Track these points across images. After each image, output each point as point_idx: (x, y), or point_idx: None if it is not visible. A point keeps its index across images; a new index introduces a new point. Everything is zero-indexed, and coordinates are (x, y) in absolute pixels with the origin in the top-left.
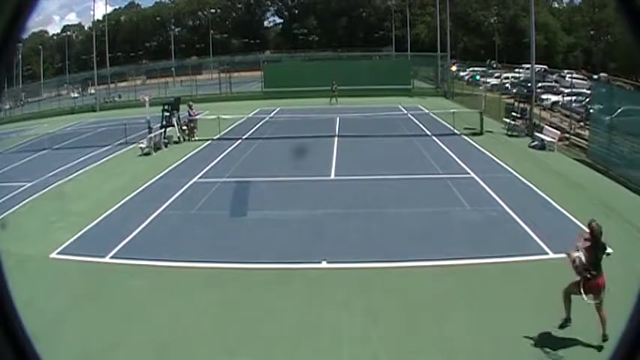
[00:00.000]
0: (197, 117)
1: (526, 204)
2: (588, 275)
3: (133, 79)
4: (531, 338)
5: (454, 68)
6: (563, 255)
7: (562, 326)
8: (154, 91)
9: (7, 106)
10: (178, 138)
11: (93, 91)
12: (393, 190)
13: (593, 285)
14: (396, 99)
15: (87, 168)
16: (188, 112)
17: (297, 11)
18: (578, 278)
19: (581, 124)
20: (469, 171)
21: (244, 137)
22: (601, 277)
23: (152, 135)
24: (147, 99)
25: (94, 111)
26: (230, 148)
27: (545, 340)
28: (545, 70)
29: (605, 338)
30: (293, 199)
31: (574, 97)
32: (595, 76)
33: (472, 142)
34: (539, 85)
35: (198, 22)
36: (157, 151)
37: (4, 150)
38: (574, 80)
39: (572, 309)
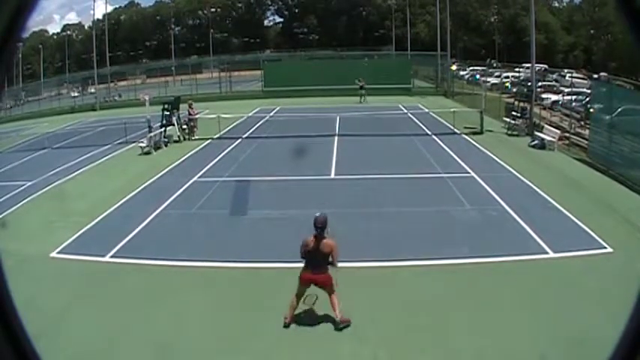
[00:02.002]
0: (197, 116)
1: (526, 203)
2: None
3: (133, 78)
4: None
5: (454, 67)
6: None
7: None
8: (154, 91)
9: (8, 105)
10: (178, 137)
11: (93, 90)
12: (393, 189)
13: (310, 278)
14: (396, 98)
15: (87, 167)
16: (188, 111)
17: (297, 10)
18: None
19: (581, 123)
20: (469, 170)
21: (244, 136)
22: (323, 274)
23: (152, 134)
24: (147, 98)
25: (94, 110)
26: (230, 148)
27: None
28: (546, 69)
29: (342, 322)
30: (293, 198)
31: (574, 97)
32: (595, 76)
33: (472, 141)
34: (540, 84)
35: (199, 21)
36: (157, 151)
37: (4, 149)
38: (574, 79)
39: None
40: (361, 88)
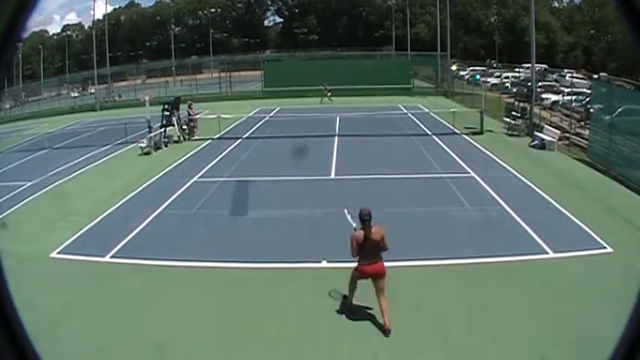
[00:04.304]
0: (197, 116)
1: (526, 203)
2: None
3: (133, 78)
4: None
5: (454, 67)
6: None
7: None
8: (154, 91)
9: (7, 106)
10: (178, 137)
11: (93, 91)
12: (393, 189)
13: (371, 270)
14: (396, 98)
15: (87, 167)
16: (188, 111)
17: (297, 10)
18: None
19: (582, 123)
20: (469, 170)
21: (244, 136)
22: (382, 263)
23: (152, 134)
24: (147, 98)
25: (94, 110)
26: (230, 148)
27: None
28: (546, 69)
29: (385, 331)
30: (293, 198)
31: (574, 97)
32: (595, 76)
33: (472, 142)
34: (540, 84)
35: (199, 22)
36: (157, 151)
37: (4, 149)
38: (574, 80)
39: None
40: (327, 90)
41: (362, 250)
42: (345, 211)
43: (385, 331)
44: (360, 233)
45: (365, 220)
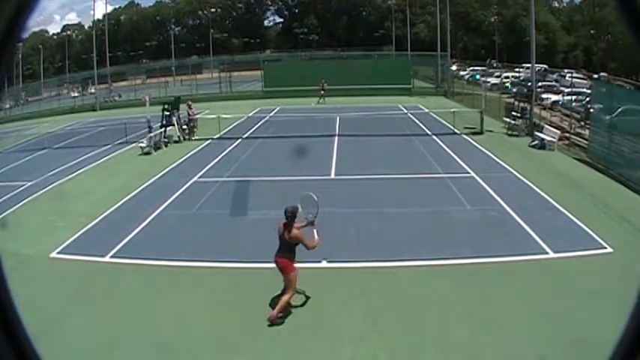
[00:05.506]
0: (196, 116)
1: (526, 203)
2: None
3: (132, 78)
4: None
5: (454, 67)
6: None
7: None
8: (154, 91)
9: (8, 106)
10: (178, 137)
11: (93, 91)
12: (393, 189)
13: (274, 260)
14: (396, 98)
15: (87, 167)
16: (187, 111)
17: (297, 10)
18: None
19: (582, 123)
20: (469, 170)
21: (244, 136)
22: (285, 260)
23: (152, 134)
24: (147, 98)
25: (94, 110)
26: (230, 148)
27: None
28: (546, 69)
29: (269, 319)
30: (293, 198)
31: (574, 97)
32: (595, 76)
33: (472, 142)
34: (540, 84)
35: (199, 22)
36: (157, 151)
37: (4, 149)
38: (574, 80)
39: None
40: (322, 89)
41: (279, 240)
42: (314, 196)
43: (268, 319)
44: (281, 225)
45: (286, 216)
